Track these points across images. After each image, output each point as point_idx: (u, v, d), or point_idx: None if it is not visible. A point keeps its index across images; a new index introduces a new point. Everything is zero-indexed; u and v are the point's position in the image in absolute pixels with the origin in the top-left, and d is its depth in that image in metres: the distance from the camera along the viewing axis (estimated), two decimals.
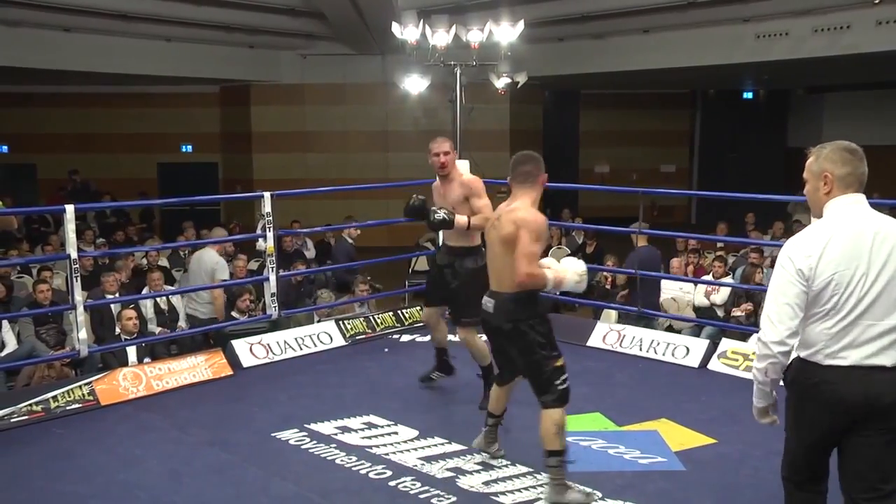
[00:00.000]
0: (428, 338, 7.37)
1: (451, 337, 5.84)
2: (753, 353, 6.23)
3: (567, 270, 4.09)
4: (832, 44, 12.62)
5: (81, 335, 5.93)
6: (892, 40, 11.92)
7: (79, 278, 5.87)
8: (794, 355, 2.97)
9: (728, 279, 8.08)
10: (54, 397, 5.47)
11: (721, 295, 7.91)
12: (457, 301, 5.34)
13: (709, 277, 8.31)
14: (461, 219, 5.09)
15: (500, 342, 4.21)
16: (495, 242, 4.06)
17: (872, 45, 12.18)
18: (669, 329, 7.68)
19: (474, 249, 5.25)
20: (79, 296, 5.88)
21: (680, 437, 4.96)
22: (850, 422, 2.84)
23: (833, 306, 2.82)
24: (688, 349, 6.62)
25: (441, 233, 5.83)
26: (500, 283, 4.05)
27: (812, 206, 3.02)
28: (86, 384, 5.65)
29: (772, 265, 8.54)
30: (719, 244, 10.63)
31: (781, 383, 3.06)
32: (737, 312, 7.64)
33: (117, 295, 7.68)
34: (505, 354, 4.27)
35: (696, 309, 7.99)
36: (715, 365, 6.42)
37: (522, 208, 3.97)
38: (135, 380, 5.86)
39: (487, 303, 4.12)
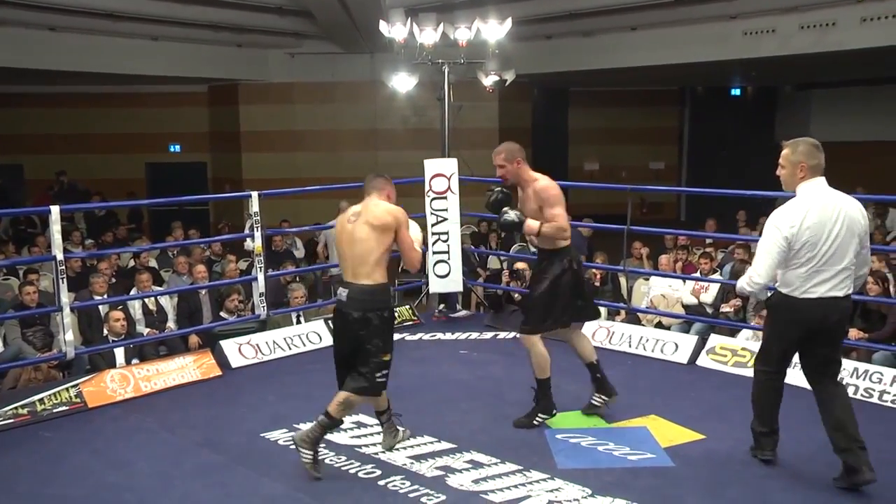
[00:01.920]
0: (418, 336, 7.39)
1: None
2: (742, 349, 6.32)
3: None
4: (818, 40, 12.67)
5: (68, 337, 5.91)
6: (877, 37, 11.98)
7: (65, 280, 5.85)
8: (775, 289, 4.29)
9: (717, 276, 8.09)
10: (41, 400, 5.45)
11: (710, 294, 7.92)
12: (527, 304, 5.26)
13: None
14: (531, 223, 4.86)
15: (344, 329, 4.43)
16: (355, 234, 4.36)
17: (857, 41, 12.24)
18: (659, 325, 7.70)
19: (561, 252, 4.98)
20: (65, 297, 5.86)
21: (669, 433, 4.98)
22: (811, 333, 4.17)
23: (807, 259, 4.06)
24: (677, 345, 6.64)
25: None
26: (356, 274, 4.35)
27: (787, 185, 4.27)
28: (73, 386, 5.63)
29: None
30: (708, 241, 10.65)
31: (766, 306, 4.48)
32: (725, 308, 7.66)
33: (105, 296, 7.64)
34: (343, 344, 4.49)
35: (686, 307, 8.00)
36: (704, 361, 6.44)
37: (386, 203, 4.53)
38: (123, 381, 5.83)
39: (342, 292, 4.36)
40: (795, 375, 5.90)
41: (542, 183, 4.92)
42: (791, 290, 4.15)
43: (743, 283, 4.22)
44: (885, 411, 5.40)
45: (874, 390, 5.59)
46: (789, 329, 4.24)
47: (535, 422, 5.01)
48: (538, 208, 4.89)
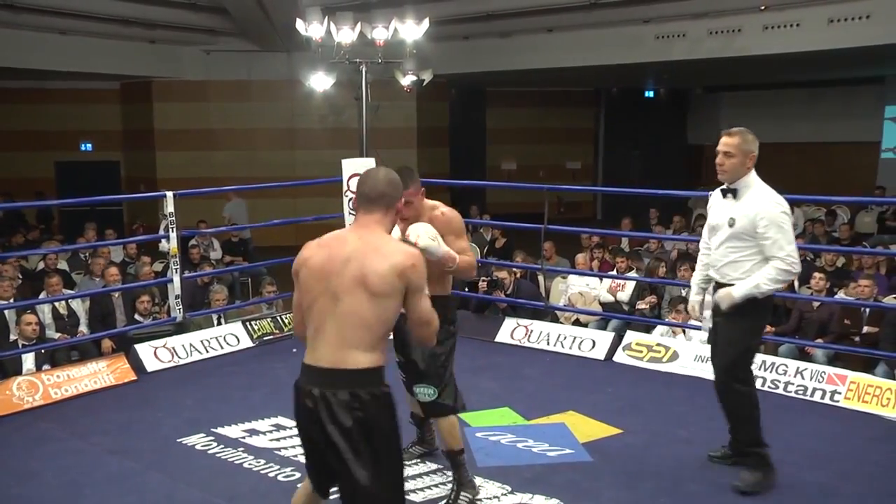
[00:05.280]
0: None
1: None
2: (657, 345, 6.47)
3: None
4: (726, 46, 13.16)
5: None
6: (777, 44, 12.58)
7: None
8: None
9: (633, 273, 8.28)
10: None
11: (626, 292, 8.09)
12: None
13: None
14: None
15: None
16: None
17: (761, 47, 12.79)
18: (576, 323, 7.83)
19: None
20: None
21: (587, 428, 5.07)
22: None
23: None
24: (594, 342, 6.76)
25: None
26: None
27: (730, 175, 4.09)
28: None
29: (678, 257, 8.82)
30: (623, 239, 10.89)
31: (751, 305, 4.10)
32: (641, 305, 7.84)
33: (12, 300, 7.35)
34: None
35: (602, 304, 8.16)
36: (620, 357, 6.58)
37: None
38: (30, 388, 5.63)
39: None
40: (709, 369, 6.11)
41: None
42: None
43: (780, 273, 3.99)
44: (790, 401, 5.62)
45: (780, 381, 5.81)
46: (763, 326, 4.35)
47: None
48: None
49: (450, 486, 4.14)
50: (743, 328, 4.15)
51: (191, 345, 6.70)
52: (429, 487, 4.23)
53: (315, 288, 2.84)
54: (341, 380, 2.78)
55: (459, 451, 4.05)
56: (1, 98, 17.03)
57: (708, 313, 4.42)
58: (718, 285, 4.23)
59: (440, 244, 3.69)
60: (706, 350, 6.25)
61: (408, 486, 4.21)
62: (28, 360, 6.52)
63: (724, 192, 4.20)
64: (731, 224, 4.09)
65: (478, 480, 4.24)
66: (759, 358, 5.94)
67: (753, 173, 4.10)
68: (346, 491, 2.84)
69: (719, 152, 4.10)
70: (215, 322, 7.67)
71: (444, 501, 4.07)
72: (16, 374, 5.94)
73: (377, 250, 2.80)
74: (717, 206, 4.27)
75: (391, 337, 3.86)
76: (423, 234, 3.61)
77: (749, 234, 4.04)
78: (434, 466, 4.47)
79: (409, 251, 2.88)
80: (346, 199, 7.77)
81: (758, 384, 4.82)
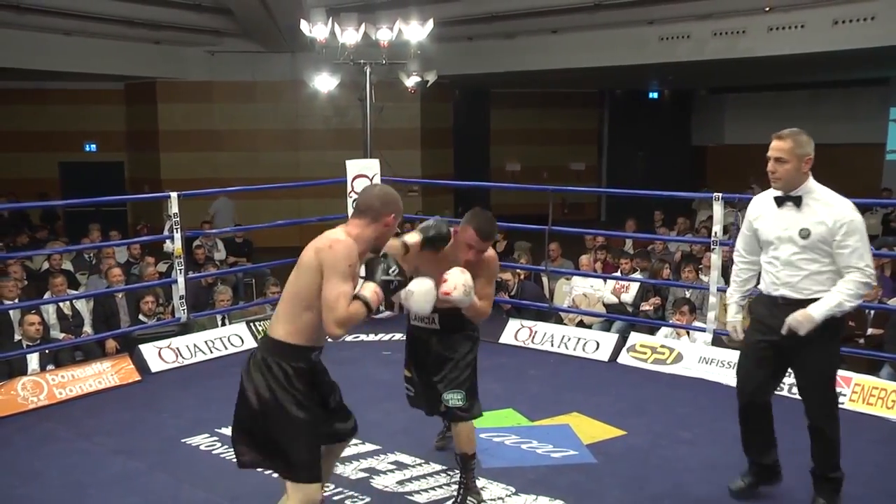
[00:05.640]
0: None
1: None
2: (661, 346, 6.46)
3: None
4: (730, 47, 13.16)
5: None
6: (783, 45, 12.58)
7: None
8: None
9: (637, 275, 8.27)
10: None
11: (630, 293, 8.09)
12: None
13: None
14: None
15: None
16: None
17: (765, 49, 12.79)
18: (580, 324, 7.83)
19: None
20: None
21: (591, 429, 5.06)
22: None
23: None
24: (598, 344, 6.76)
25: None
26: None
27: (785, 184, 3.70)
28: None
29: (681, 259, 8.81)
30: (628, 240, 10.88)
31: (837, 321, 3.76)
32: (645, 307, 7.83)
33: (17, 301, 7.36)
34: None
35: (606, 305, 8.16)
36: (624, 358, 6.58)
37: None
38: (35, 388, 5.64)
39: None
40: (713, 371, 6.10)
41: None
42: None
43: (860, 288, 3.65)
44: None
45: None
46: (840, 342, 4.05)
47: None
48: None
49: (454, 486, 4.15)
50: (830, 353, 3.87)
51: (195, 345, 6.70)
52: (433, 488, 4.23)
53: None
54: (263, 345, 3.18)
55: (473, 456, 4.10)
56: (5, 99, 17.06)
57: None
58: (787, 303, 3.76)
59: (472, 297, 3.72)
60: (710, 352, 6.28)
61: (412, 486, 4.23)
62: (33, 361, 6.54)
63: (781, 201, 3.77)
64: (805, 235, 3.68)
65: (482, 482, 4.25)
66: None
67: (812, 181, 3.72)
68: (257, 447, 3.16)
69: (770, 158, 3.72)
70: (219, 323, 7.68)
71: (451, 502, 4.08)
72: (21, 374, 5.95)
73: (321, 238, 3.06)
74: (773, 216, 3.83)
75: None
76: (461, 285, 3.64)
77: (827, 243, 3.66)
78: (438, 467, 4.47)
79: (335, 237, 3.04)
80: (349, 200, 7.78)
81: None
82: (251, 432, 3.14)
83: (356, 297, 3.03)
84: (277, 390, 3.05)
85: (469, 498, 4.06)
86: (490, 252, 3.99)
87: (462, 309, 3.81)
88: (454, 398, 3.99)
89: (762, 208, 3.89)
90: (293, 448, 3.06)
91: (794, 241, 3.72)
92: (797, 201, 3.71)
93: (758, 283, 4.05)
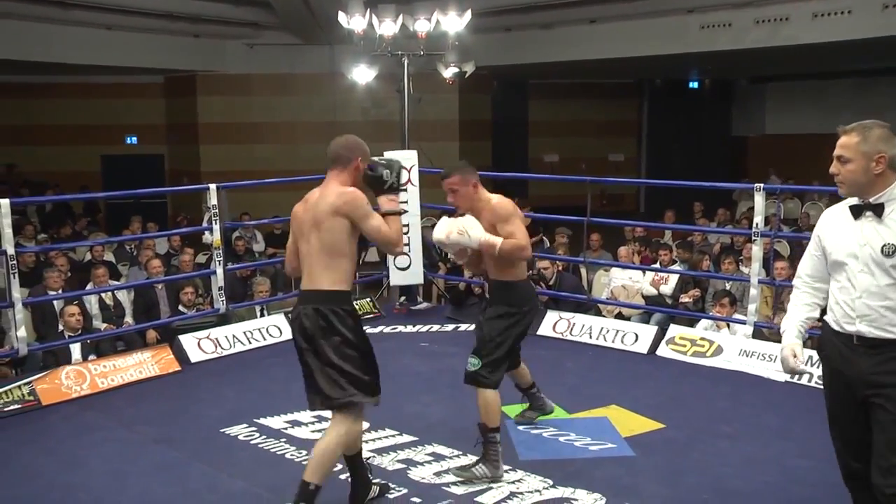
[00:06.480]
0: (378, 329, 7.37)
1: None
2: (701, 339, 6.38)
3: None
4: (772, 35, 12.91)
5: (20, 333, 5.79)
6: (827, 32, 12.29)
7: (16, 275, 5.72)
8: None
9: (676, 266, 8.18)
10: None
11: (669, 285, 7.99)
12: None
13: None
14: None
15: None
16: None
17: (809, 36, 12.52)
18: (619, 316, 7.76)
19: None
20: (17, 293, 5.73)
21: (629, 422, 5.01)
22: None
23: None
24: (637, 336, 6.69)
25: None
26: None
27: (853, 185, 2.92)
28: (26, 384, 5.50)
29: (721, 251, 8.69)
30: (667, 232, 10.77)
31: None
32: (685, 299, 7.73)
33: (60, 291, 7.49)
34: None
35: (645, 297, 8.08)
36: (663, 351, 6.51)
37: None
38: (78, 378, 5.73)
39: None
40: (754, 364, 6.01)
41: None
42: None
43: None
44: None
45: None
46: None
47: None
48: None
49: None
50: None
51: (234, 336, 6.76)
52: (471, 480, 4.21)
53: (298, 234, 3.65)
54: (310, 297, 3.58)
55: (492, 429, 4.17)
56: (48, 93, 17.36)
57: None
58: (867, 344, 2.89)
59: (470, 236, 4.13)
60: (751, 344, 6.19)
61: (449, 478, 4.21)
62: (76, 351, 6.65)
63: (858, 210, 2.94)
64: (890, 253, 2.84)
65: (519, 474, 4.23)
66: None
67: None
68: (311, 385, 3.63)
69: (833, 158, 2.99)
70: (258, 314, 7.75)
71: (464, 466, 4.22)
72: (65, 364, 6.05)
73: (323, 197, 3.57)
74: (846, 231, 2.97)
75: None
76: (454, 230, 4.15)
77: None
78: (475, 459, 4.45)
79: (341, 192, 3.55)
80: None
81: None
82: (314, 377, 3.59)
83: (383, 216, 3.58)
84: (341, 328, 3.52)
85: (481, 465, 4.15)
86: (495, 198, 4.34)
87: (492, 252, 4.17)
88: (471, 361, 4.24)
89: (833, 221, 3.06)
90: (362, 370, 3.58)
91: (876, 260, 2.88)
92: (878, 210, 2.89)
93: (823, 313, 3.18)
